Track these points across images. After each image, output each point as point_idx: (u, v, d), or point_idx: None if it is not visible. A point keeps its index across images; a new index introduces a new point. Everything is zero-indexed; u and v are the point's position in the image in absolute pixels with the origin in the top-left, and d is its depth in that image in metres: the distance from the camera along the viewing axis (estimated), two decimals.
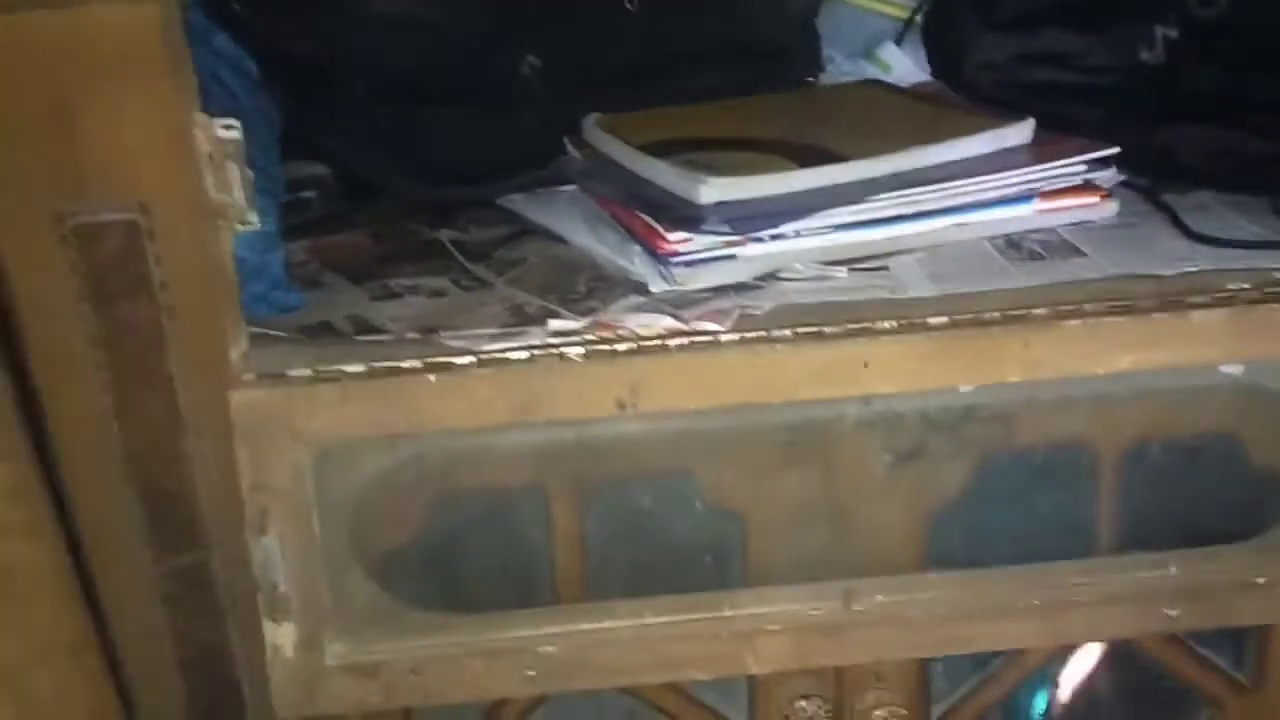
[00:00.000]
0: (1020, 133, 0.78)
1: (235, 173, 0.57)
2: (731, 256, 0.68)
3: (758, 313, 0.64)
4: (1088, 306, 0.63)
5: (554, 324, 0.62)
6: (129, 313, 0.56)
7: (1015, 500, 0.69)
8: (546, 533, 0.65)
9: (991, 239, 0.74)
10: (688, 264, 0.68)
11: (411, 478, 0.62)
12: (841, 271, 0.69)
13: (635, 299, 0.65)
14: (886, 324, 0.63)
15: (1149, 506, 0.70)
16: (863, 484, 0.66)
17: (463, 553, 0.65)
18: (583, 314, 0.64)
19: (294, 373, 0.59)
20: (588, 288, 0.67)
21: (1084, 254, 0.72)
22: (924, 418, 0.65)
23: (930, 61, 0.97)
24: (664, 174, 0.72)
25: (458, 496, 0.63)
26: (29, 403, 0.52)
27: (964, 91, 0.92)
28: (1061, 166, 0.75)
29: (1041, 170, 0.75)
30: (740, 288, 0.67)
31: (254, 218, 0.59)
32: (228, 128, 0.57)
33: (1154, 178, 0.81)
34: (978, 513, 0.68)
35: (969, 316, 0.63)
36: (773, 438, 0.65)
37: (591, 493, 0.65)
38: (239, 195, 0.58)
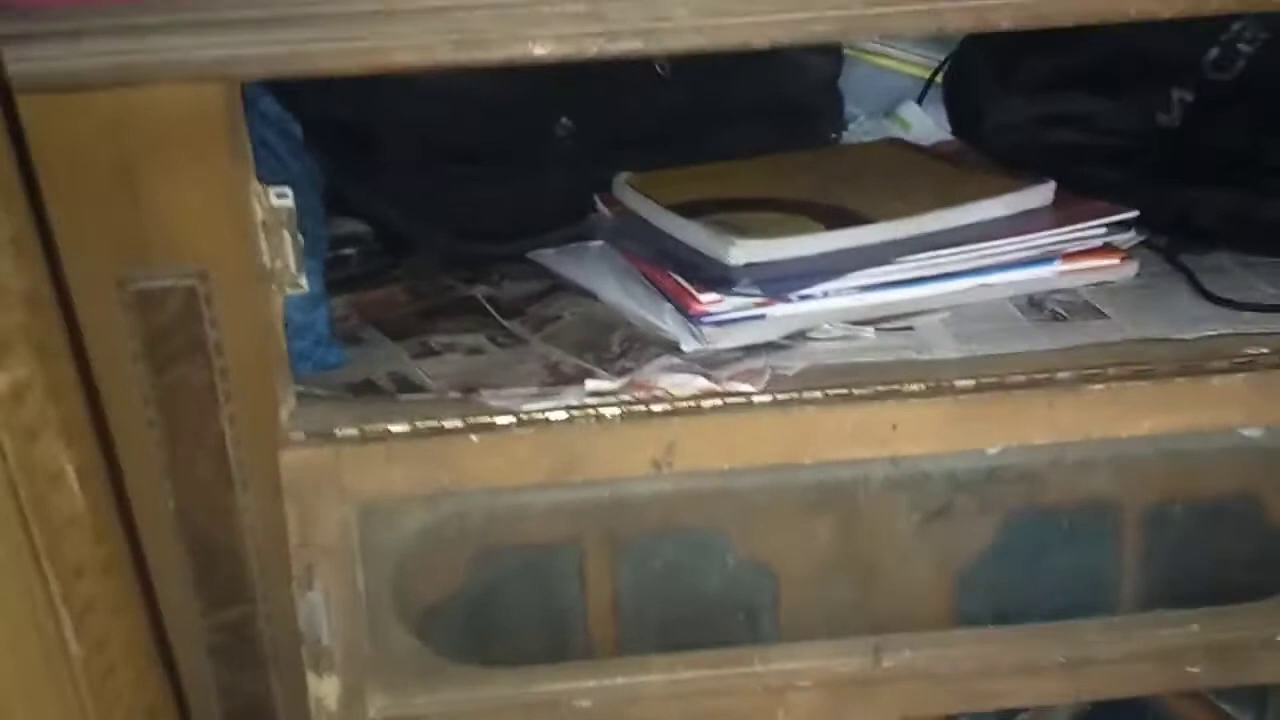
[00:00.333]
0: (1041, 195, 0.80)
1: (288, 239, 0.60)
2: (761, 316, 0.70)
3: (788, 373, 0.66)
4: (1110, 370, 0.65)
5: (591, 384, 0.64)
6: (184, 374, 0.58)
7: (1040, 558, 0.71)
8: (581, 588, 0.66)
9: (1014, 299, 0.76)
10: (718, 323, 0.69)
11: (453, 534, 0.63)
12: (869, 331, 0.71)
13: (668, 359, 0.67)
14: (914, 386, 0.64)
15: (1171, 565, 0.71)
16: (891, 542, 0.67)
17: (501, 607, 0.66)
18: (618, 374, 0.65)
19: (341, 432, 0.61)
20: (622, 348, 0.69)
21: (1105, 315, 0.73)
22: (951, 477, 0.67)
23: (950, 120, 0.99)
24: (694, 234, 0.74)
25: (496, 552, 0.64)
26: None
27: (984, 151, 0.94)
28: (1082, 230, 0.77)
29: (1063, 233, 0.77)
30: (770, 347, 0.69)
31: (304, 281, 0.62)
32: (281, 196, 0.60)
33: (1172, 238, 0.83)
34: (1004, 570, 0.69)
35: (994, 380, 0.65)
36: (803, 496, 0.66)
37: (625, 548, 0.66)
38: (291, 261, 0.60)
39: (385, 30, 0.52)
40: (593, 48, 0.54)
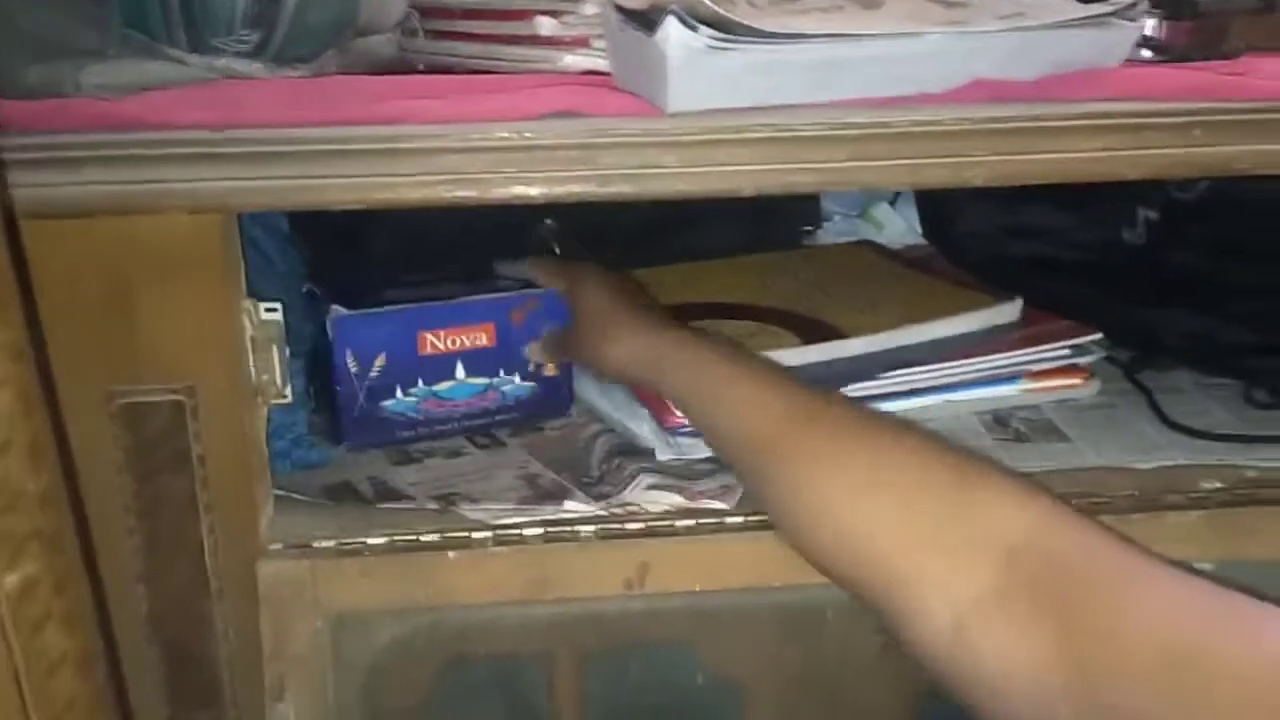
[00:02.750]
0: (1008, 312, 0.83)
1: (275, 353, 0.61)
2: None
3: None
4: (1073, 503, 0.66)
5: (569, 504, 0.65)
6: (167, 484, 0.59)
7: None
8: (549, 700, 0.67)
9: (979, 414, 0.78)
10: (694, 434, 0.71)
11: (423, 644, 0.64)
12: None
13: (646, 478, 0.68)
14: None
15: None
16: (855, 664, 0.68)
17: (469, 718, 0.67)
18: (596, 498, 0.66)
19: (318, 544, 0.62)
20: (599, 470, 0.70)
21: (1067, 438, 0.76)
22: None
23: (921, 223, 1.02)
24: None
25: (466, 662, 0.65)
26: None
27: (953, 256, 0.96)
28: (1048, 350, 0.80)
29: (1029, 353, 0.80)
30: None
31: (289, 392, 0.62)
32: (270, 310, 0.61)
33: (1134, 356, 0.85)
34: None
35: None
36: (771, 615, 0.67)
37: (594, 661, 0.67)
38: (277, 374, 0.61)
39: (387, 169, 0.53)
40: (582, 190, 0.56)
